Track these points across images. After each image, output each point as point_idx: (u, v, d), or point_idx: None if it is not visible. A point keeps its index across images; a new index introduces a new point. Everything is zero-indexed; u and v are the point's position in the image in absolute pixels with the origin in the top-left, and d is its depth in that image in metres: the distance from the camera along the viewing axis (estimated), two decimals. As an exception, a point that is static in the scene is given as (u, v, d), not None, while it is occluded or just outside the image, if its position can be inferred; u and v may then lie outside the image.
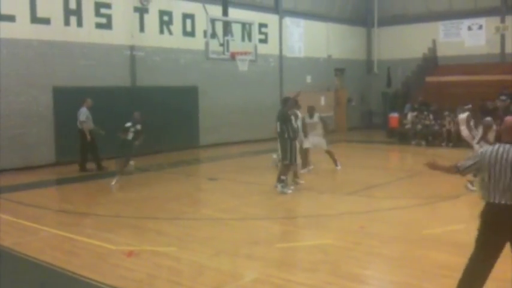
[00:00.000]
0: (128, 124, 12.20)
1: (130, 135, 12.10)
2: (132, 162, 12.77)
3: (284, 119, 11.03)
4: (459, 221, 8.57)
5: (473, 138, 11.75)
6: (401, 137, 20.57)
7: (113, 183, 11.93)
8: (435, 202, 9.97)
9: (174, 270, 6.59)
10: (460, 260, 6.55)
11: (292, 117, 11.36)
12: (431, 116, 19.96)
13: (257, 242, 7.70)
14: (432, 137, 19.56)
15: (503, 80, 20.67)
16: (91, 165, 14.37)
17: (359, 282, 6.14)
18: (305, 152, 13.21)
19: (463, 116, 12.92)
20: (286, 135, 10.96)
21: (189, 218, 9.24)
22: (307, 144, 13.21)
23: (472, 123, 12.50)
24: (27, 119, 14.69)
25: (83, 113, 14.12)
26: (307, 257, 7.00)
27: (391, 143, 20.60)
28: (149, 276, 6.32)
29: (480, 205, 4.87)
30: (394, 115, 21.86)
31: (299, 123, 12.30)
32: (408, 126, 20.44)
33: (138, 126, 12.24)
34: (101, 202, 10.57)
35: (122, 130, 12.16)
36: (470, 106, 13.59)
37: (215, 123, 19.41)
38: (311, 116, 13.43)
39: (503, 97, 19.23)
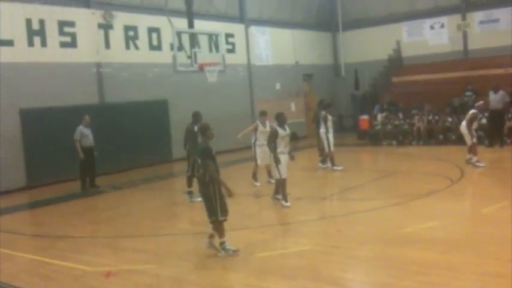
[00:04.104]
0: None
1: None
2: None
3: (185, 134, 11.49)
4: (433, 218, 8.71)
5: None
6: (373, 138, 20.79)
7: None
8: (409, 201, 10.09)
9: None
10: (436, 257, 6.70)
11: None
12: (400, 116, 20.26)
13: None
14: (402, 136, 19.85)
15: (467, 76, 21.15)
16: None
17: (339, 286, 6.17)
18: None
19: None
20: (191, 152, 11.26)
21: (166, 234, 9.16)
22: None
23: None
24: (-6, 144, 14.39)
25: (77, 131, 13.97)
26: (287, 264, 7.02)
27: (362, 145, 20.82)
28: (129, 296, 6.25)
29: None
30: (364, 117, 22.05)
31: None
32: (378, 127, 20.69)
33: None
34: (75, 223, 10.39)
35: None
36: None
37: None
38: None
39: (468, 93, 19.68)
